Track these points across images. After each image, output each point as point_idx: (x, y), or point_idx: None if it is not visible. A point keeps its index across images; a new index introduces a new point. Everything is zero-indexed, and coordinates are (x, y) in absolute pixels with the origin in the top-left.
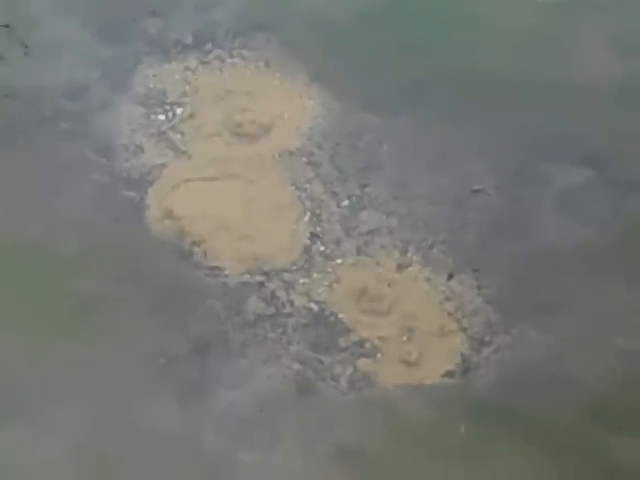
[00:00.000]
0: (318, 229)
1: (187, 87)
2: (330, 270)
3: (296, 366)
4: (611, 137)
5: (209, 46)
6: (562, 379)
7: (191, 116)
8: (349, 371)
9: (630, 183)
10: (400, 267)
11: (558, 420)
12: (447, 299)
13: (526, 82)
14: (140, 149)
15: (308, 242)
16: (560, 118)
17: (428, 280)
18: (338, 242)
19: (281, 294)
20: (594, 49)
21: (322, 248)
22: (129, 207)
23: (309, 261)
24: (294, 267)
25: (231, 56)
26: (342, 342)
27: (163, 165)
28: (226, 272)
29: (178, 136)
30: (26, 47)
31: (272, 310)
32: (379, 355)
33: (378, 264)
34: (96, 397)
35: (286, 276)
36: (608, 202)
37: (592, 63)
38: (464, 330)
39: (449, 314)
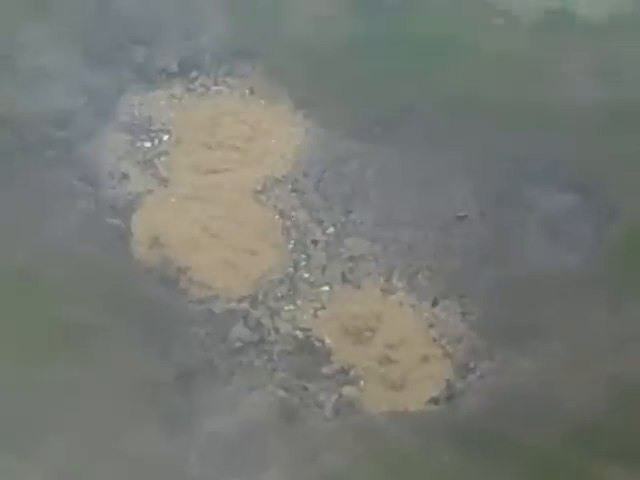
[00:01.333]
0: (303, 256)
1: (173, 114)
2: (315, 297)
3: (281, 393)
4: (595, 162)
5: (194, 73)
6: (547, 405)
7: (177, 143)
8: (334, 398)
9: (614, 209)
10: (385, 293)
11: (544, 446)
12: (432, 325)
13: (510, 107)
14: (125, 177)
15: (293, 269)
16: (544, 143)
17: (413, 306)
18: (323, 269)
19: (266, 321)
20: (577, 74)
21: (307, 275)
22: (114, 235)
23: (294, 288)
24: (279, 295)
25: (216, 83)
26: (327, 369)
27: (148, 193)
28: (211, 299)
29: (163, 164)
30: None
31: (257, 337)
32: (363, 382)
33: (363, 291)
34: (81, 425)
35: (271, 303)
36: (592, 228)
37: (575, 88)
38: (449, 356)
39: (434, 340)
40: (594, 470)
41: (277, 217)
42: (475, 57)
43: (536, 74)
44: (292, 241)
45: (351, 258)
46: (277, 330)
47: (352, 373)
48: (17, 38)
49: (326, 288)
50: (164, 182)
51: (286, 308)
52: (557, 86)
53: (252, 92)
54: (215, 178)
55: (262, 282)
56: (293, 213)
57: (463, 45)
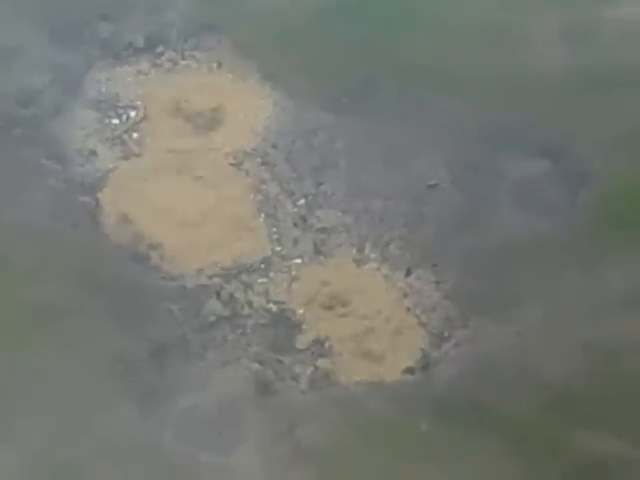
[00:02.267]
0: (274, 229)
1: (140, 90)
2: (288, 270)
3: (256, 367)
4: (565, 127)
5: (161, 48)
6: (523, 372)
7: (144, 119)
8: (309, 370)
9: (584, 173)
10: (358, 264)
11: (520, 413)
12: (405, 295)
13: (478, 75)
14: (94, 154)
15: (265, 242)
16: (513, 110)
17: (386, 277)
18: (295, 241)
19: (239, 295)
20: (544, 40)
21: (279, 248)
22: (84, 213)
23: (266, 261)
24: (252, 268)
25: (183, 58)
26: (301, 342)
27: (117, 169)
28: (183, 275)
29: (132, 140)
30: None
31: (231, 311)
32: (339, 354)
33: (336, 262)
34: (54, 406)
35: (244, 277)
36: (564, 193)
37: (543, 54)
38: (423, 325)
39: (408, 310)
40: (571, 436)
41: (248, 190)
42: (443, 27)
43: (503, 41)
44: (263, 214)
45: (323, 230)
46: (250, 304)
47: (327, 345)
48: None
49: (298, 260)
50: (133, 158)
51: (259, 281)
52: (524, 52)
53: (219, 66)
54: (184, 153)
55: (234, 256)
56: (264, 186)
57: (430, 15)
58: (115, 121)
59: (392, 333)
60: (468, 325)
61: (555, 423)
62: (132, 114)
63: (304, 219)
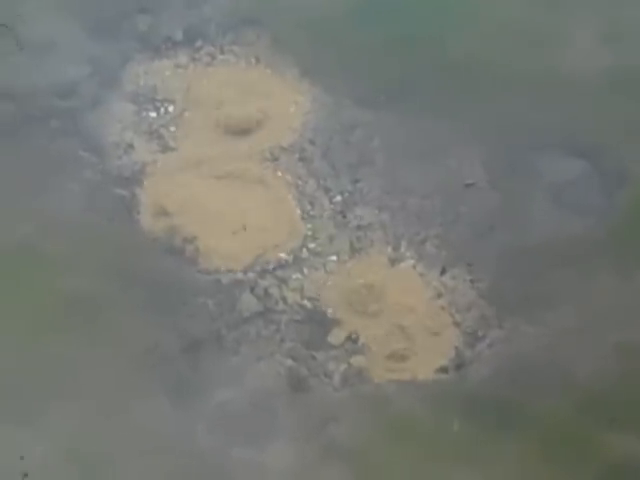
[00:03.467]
0: (310, 225)
1: (178, 84)
2: (323, 266)
3: (289, 363)
4: (601, 128)
5: (199, 42)
6: (556, 373)
7: (182, 113)
8: (342, 367)
9: (622, 174)
10: (393, 262)
11: (552, 414)
12: (440, 294)
13: (515, 75)
14: (131, 147)
15: (301, 239)
16: (551, 110)
17: (421, 275)
18: (331, 238)
19: (274, 291)
20: (582, 41)
21: (315, 244)
22: (121, 205)
23: (302, 258)
24: (287, 264)
25: (222, 52)
26: (335, 339)
27: (155, 162)
28: (218, 269)
29: (169, 133)
30: (21, 47)
31: (265, 307)
32: (372, 351)
33: (371, 260)
34: (88, 396)
35: (279, 273)
36: (601, 194)
37: (580, 55)
38: (458, 325)
39: (442, 309)
40: (603, 437)
41: (285, 186)
42: (481, 26)
43: (540, 40)
44: (299, 210)
45: (359, 227)
46: (285, 300)
47: (360, 342)
48: (20, 9)
49: (334, 257)
50: (170, 152)
51: (294, 277)
52: (562, 52)
53: (258, 61)
54: (221, 147)
55: (270, 252)
56: (300, 182)
57: (468, 14)
58: (153, 114)
59: (426, 332)
60: (502, 325)
61: (587, 424)
62: (170, 108)
63: (341, 216)
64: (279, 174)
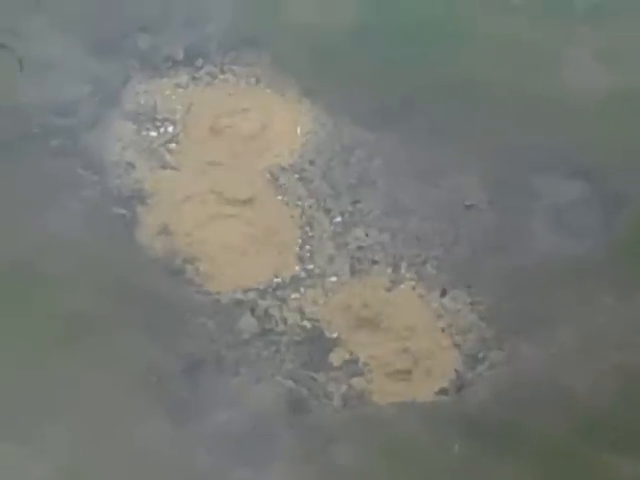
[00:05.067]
0: (310, 246)
1: (178, 103)
2: (323, 287)
3: (289, 384)
4: (601, 149)
5: (200, 62)
6: (557, 395)
7: (183, 132)
8: (343, 389)
9: (620, 196)
10: (393, 284)
11: (554, 437)
12: (440, 315)
13: (514, 95)
14: (131, 166)
15: (301, 259)
16: (550, 131)
17: (421, 296)
18: (331, 259)
19: (274, 312)
20: (581, 61)
21: (314, 265)
22: (120, 225)
23: (302, 278)
24: (287, 285)
25: (222, 72)
26: (336, 360)
27: (155, 182)
28: (218, 289)
29: (170, 152)
30: (21, 65)
31: (265, 328)
32: (372, 373)
33: (371, 281)
34: (87, 417)
35: (279, 293)
36: (599, 216)
37: (579, 75)
38: (458, 347)
39: (442, 330)
40: (603, 460)
41: (285, 206)
42: (479, 46)
43: (538, 61)
44: (299, 230)
45: (359, 248)
46: (285, 321)
47: (361, 364)
48: (19, 26)
49: (334, 278)
50: (170, 171)
51: (294, 298)
52: (560, 72)
53: (258, 81)
54: (222, 167)
55: (270, 272)
56: (299, 202)
57: (466, 34)
58: (153, 134)
59: (426, 353)
60: (503, 347)
61: (588, 446)
62: (170, 127)
63: (340, 236)
64: (279, 194)
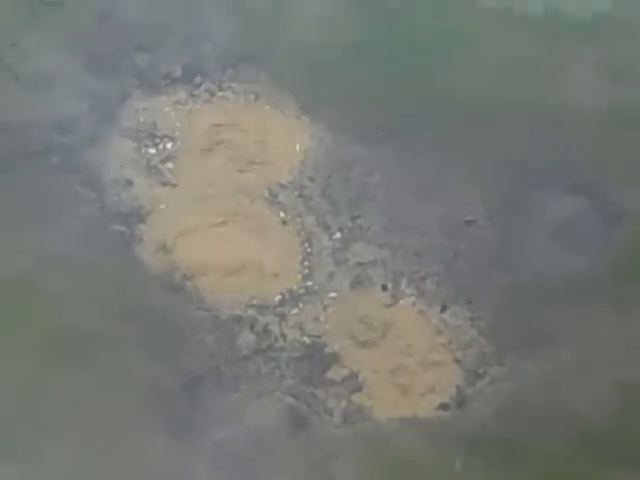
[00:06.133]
0: (310, 263)
1: (177, 120)
2: (323, 303)
3: (290, 400)
4: (600, 164)
5: (199, 79)
6: (558, 410)
7: (181, 149)
8: (343, 404)
9: (621, 211)
10: (393, 299)
11: (554, 452)
12: (440, 331)
13: (514, 110)
14: (130, 183)
15: (301, 276)
16: (550, 146)
17: (421, 312)
18: (330, 275)
19: (274, 328)
20: (581, 76)
21: (314, 281)
22: (119, 241)
23: (301, 294)
24: (287, 301)
25: (221, 89)
26: (336, 375)
27: (154, 199)
28: (217, 306)
29: (169, 169)
30: (17, 78)
31: (265, 344)
32: (372, 388)
33: (371, 297)
34: (85, 434)
35: (278, 310)
36: (600, 231)
37: (579, 90)
38: (458, 362)
39: (443, 346)
40: (603, 475)
41: (284, 223)
42: (479, 61)
43: (540, 77)
44: (299, 246)
45: (359, 264)
46: (284, 337)
47: (361, 379)
48: (19, 44)
49: (334, 294)
50: (169, 188)
51: (294, 314)
52: (562, 87)
53: (257, 98)
54: (221, 184)
55: (270, 288)
56: (299, 219)
57: (466, 49)
58: (152, 151)
59: (427, 369)
60: (503, 362)
61: (588, 462)
62: (169, 144)
63: (340, 252)
64: (278, 211)
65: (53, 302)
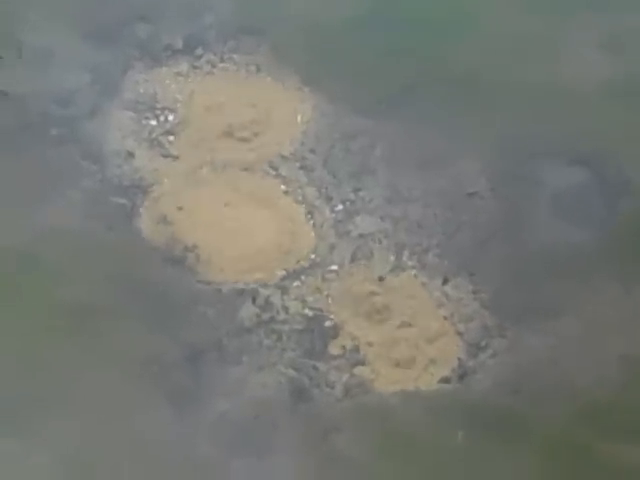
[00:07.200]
0: (312, 235)
1: (178, 92)
2: (325, 276)
3: (291, 373)
4: (603, 137)
5: (200, 50)
6: (559, 383)
7: (183, 121)
8: (344, 377)
9: (624, 183)
10: (395, 272)
11: (555, 424)
12: (442, 304)
13: (516, 83)
14: (131, 155)
15: (302, 247)
16: (552, 119)
17: (423, 285)
18: (332, 247)
19: (276, 300)
20: (583, 49)
21: (316, 253)
22: (120, 214)
23: (303, 267)
24: (289, 273)
25: (222, 60)
26: (337, 348)
27: (155, 171)
28: (219, 278)
29: (170, 141)
30: (20, 52)
31: (267, 316)
32: (374, 361)
33: (373, 269)
34: (88, 406)
35: (280, 282)
36: (602, 203)
37: (582, 63)
38: (460, 335)
39: (445, 319)
40: (605, 448)
41: (285, 195)
42: (480, 34)
43: (542, 50)
44: (301, 218)
45: (360, 236)
46: (286, 309)
47: (362, 352)
48: (19, 16)
49: (335, 267)
50: (170, 160)
51: (295, 286)
52: (564, 61)
53: (258, 69)
54: (222, 156)
55: (271, 261)
56: (301, 190)
57: (468, 22)
58: (153, 123)
59: (428, 342)
60: (505, 335)
61: (590, 434)
62: (170, 116)
63: (342, 224)
64: (280, 183)
65: (54, 275)
